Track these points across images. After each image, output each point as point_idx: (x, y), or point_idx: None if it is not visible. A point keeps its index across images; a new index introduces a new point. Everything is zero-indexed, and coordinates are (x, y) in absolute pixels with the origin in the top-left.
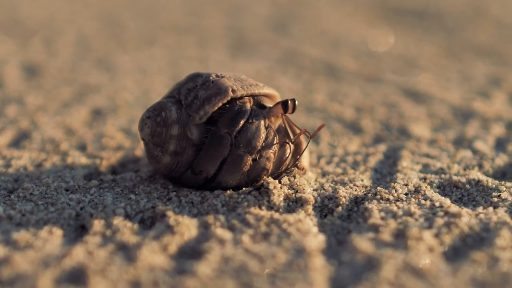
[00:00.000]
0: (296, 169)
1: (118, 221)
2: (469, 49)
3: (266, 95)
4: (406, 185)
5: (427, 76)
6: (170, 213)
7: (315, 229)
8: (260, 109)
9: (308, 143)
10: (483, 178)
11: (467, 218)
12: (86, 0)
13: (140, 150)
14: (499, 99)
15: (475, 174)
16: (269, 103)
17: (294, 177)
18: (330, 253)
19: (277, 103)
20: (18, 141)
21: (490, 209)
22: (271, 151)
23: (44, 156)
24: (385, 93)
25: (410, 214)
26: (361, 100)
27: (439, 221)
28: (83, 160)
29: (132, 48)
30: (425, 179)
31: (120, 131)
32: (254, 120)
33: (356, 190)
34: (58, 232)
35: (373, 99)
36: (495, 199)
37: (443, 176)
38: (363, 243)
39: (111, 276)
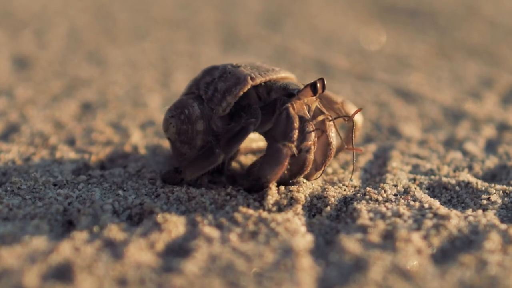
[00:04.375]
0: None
1: (105, 217)
2: (461, 49)
3: (285, 79)
4: (396, 185)
5: (418, 76)
6: (158, 210)
7: (303, 229)
8: (287, 96)
9: (353, 128)
10: (472, 180)
11: (456, 220)
12: None
13: (129, 145)
14: (490, 100)
15: (465, 176)
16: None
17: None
18: (318, 253)
19: (306, 86)
20: (7, 134)
21: (480, 211)
22: (310, 142)
23: (32, 150)
24: (376, 92)
25: (399, 215)
26: (352, 98)
27: (428, 222)
28: (71, 154)
29: (123, 42)
30: (414, 180)
31: (110, 126)
32: (282, 109)
33: (345, 190)
34: (45, 227)
35: (364, 97)
36: (485, 202)
37: (432, 177)
38: (351, 243)
39: (98, 272)
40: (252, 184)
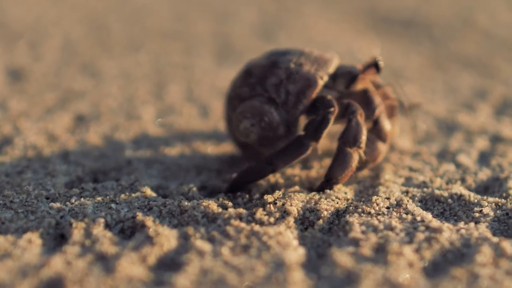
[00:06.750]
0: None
1: (97, 230)
2: (455, 60)
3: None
4: (388, 198)
5: (412, 87)
6: (150, 224)
7: (295, 242)
8: (353, 78)
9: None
10: (465, 192)
11: (448, 233)
12: (73, 2)
13: (122, 158)
14: (484, 112)
15: (458, 188)
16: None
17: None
18: (310, 267)
19: (369, 67)
20: (0, 147)
21: (472, 224)
22: (380, 109)
23: (25, 163)
24: None
25: (391, 228)
26: None
27: (420, 236)
28: (64, 167)
29: (118, 53)
30: (407, 192)
31: (103, 138)
32: (351, 117)
33: (337, 203)
34: (37, 241)
35: None
36: (477, 214)
37: (425, 189)
38: (343, 257)
39: (89, 287)
40: (323, 185)
